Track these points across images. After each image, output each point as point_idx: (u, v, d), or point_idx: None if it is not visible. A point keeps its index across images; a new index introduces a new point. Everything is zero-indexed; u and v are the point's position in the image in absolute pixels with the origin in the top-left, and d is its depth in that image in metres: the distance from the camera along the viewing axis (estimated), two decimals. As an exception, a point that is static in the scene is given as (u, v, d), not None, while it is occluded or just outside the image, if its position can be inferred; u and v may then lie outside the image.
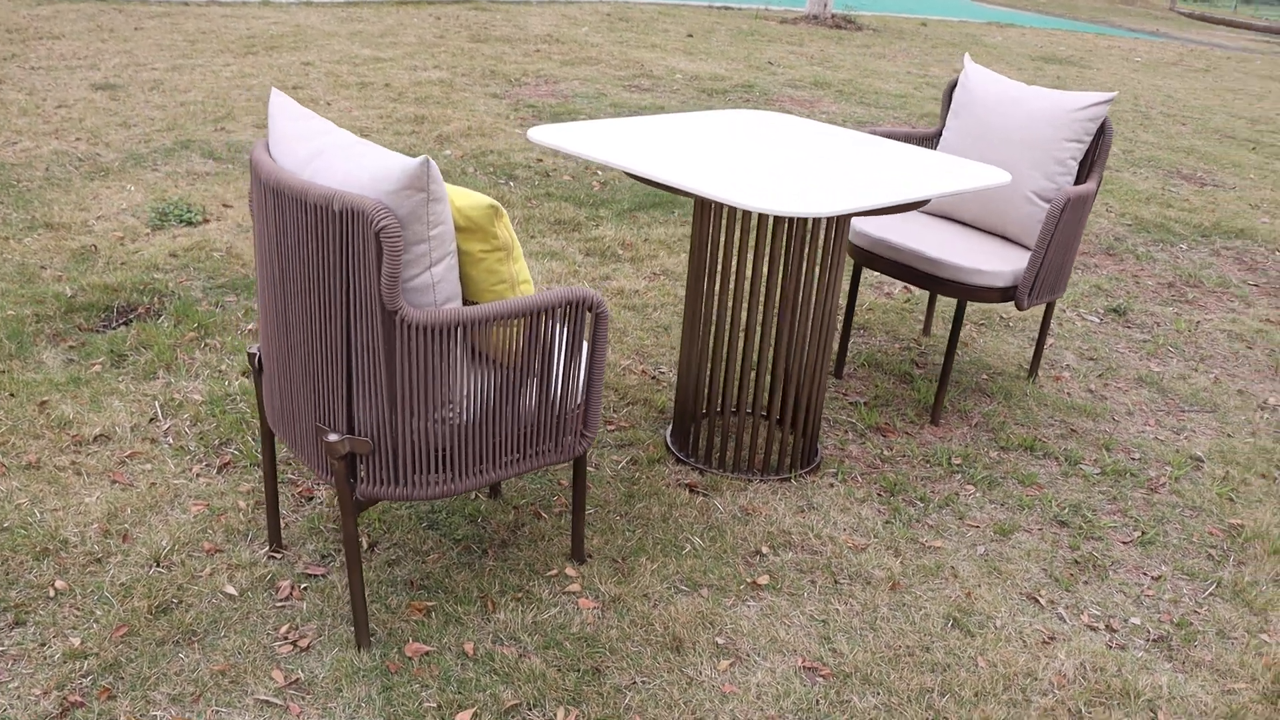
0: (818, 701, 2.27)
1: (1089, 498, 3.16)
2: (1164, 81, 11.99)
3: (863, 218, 3.64)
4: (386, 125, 6.37)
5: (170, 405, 3.17)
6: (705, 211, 2.93)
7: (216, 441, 3.01)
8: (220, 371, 3.38)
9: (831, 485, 3.08)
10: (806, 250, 2.87)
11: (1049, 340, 4.31)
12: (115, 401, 3.16)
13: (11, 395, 3.14)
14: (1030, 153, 3.50)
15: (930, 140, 3.87)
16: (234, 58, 7.83)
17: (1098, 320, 4.57)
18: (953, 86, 3.87)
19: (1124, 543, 2.97)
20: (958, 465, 3.27)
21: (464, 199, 2.11)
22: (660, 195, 5.56)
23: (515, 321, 2.11)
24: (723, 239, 3.28)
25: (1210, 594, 2.78)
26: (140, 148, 5.51)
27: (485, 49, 9.18)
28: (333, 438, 2.07)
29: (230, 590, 2.43)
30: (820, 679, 2.33)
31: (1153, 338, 4.43)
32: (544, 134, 2.96)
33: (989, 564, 2.80)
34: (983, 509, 3.05)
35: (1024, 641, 2.52)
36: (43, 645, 2.22)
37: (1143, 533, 3.02)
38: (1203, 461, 3.45)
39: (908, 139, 3.80)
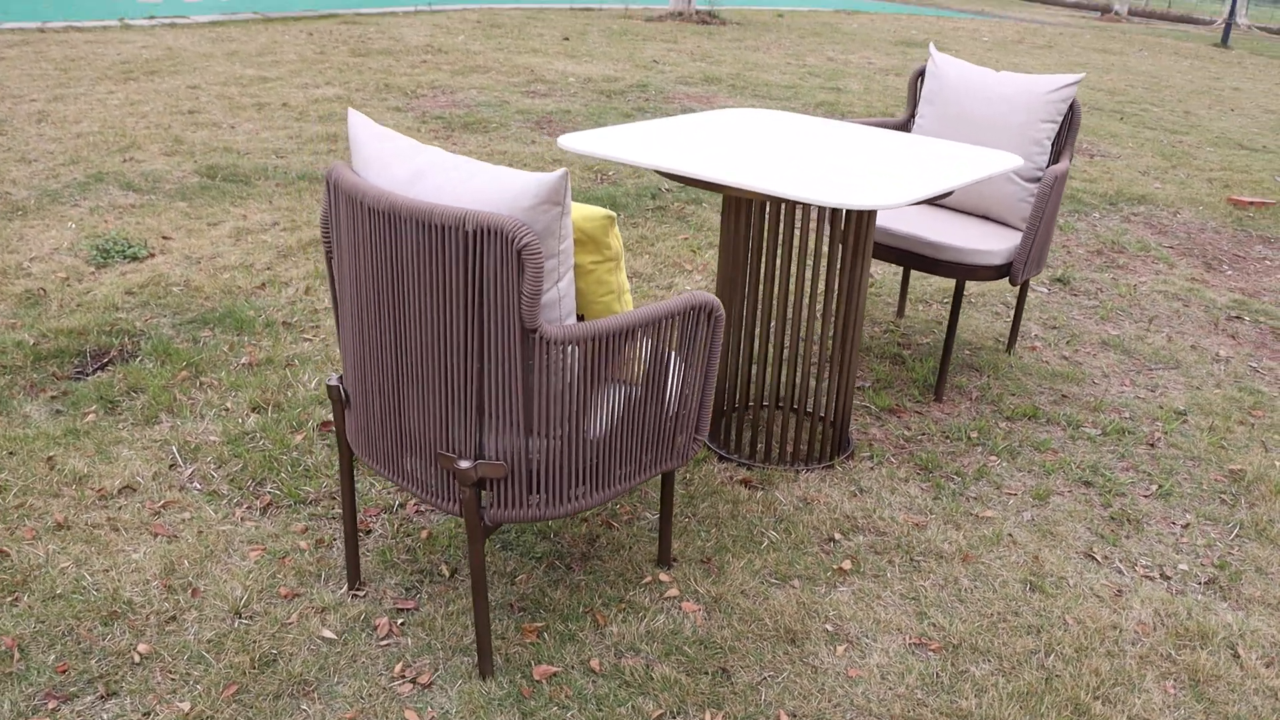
0: (938, 674, 2.32)
1: (1101, 458, 3.33)
2: (1019, 59, 12.61)
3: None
4: (301, 145, 6.16)
5: (187, 449, 3.01)
6: (738, 210, 2.95)
7: (250, 483, 2.88)
8: (227, 410, 3.22)
9: (872, 469, 3.15)
10: (844, 243, 2.92)
11: (1010, 312, 4.50)
12: (124, 450, 2.98)
13: (11, 454, 2.92)
14: (1008, 135, 3.65)
15: (902, 128, 3.99)
16: (115, 84, 7.43)
17: (1046, 291, 4.80)
18: (918, 75, 4.00)
19: (1145, 496, 3.14)
20: (975, 439, 3.39)
21: (577, 211, 2.08)
22: (611, 198, 5.54)
23: (641, 331, 2.09)
24: (751, 235, 3.31)
25: (1236, 535, 2.97)
26: (50, 183, 5.18)
27: (370, 63, 8.97)
28: (464, 465, 2.01)
29: (327, 634, 2.33)
30: (932, 653, 2.39)
31: (1100, 303, 4.68)
32: (577, 141, 2.93)
33: (1040, 528, 2.91)
34: (1014, 478, 3.17)
35: (1099, 597, 2.63)
36: (147, 715, 2.09)
37: (1159, 486, 3.19)
38: (1186, 415, 3.67)
39: (882, 128, 3.91)
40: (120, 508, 2.73)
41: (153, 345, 3.57)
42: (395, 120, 6.94)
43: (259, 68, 8.40)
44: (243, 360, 3.52)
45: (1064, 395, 3.75)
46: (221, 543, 2.62)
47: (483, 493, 2.10)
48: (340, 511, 2.77)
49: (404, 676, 2.22)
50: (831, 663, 2.34)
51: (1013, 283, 3.52)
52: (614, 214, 2.14)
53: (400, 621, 2.38)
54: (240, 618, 2.36)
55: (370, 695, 2.16)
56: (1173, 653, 2.46)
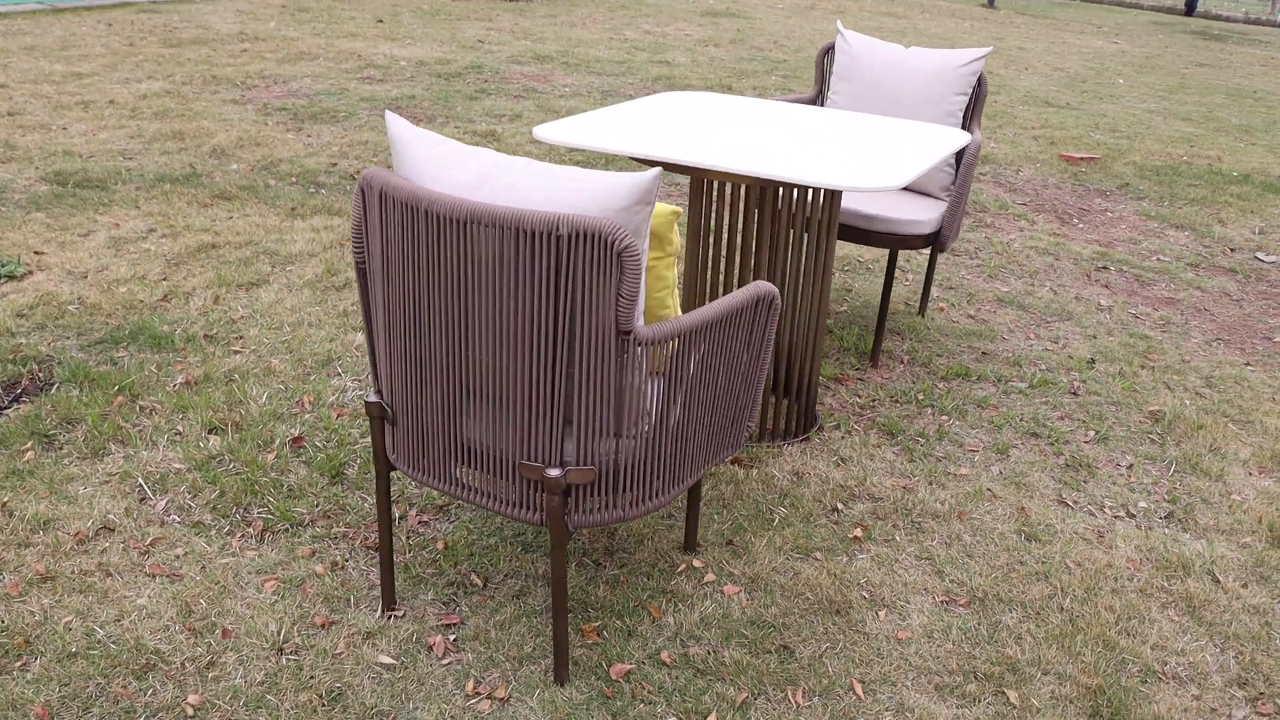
0: (976, 628, 2.45)
1: (1037, 410, 3.56)
2: (818, 25, 13.08)
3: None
4: (147, 146, 5.75)
5: (153, 480, 2.80)
6: (706, 192, 2.98)
7: (235, 510, 2.71)
8: (180, 434, 3.01)
9: (843, 438, 3.26)
10: (819, 223, 3.00)
11: (909, 277, 4.73)
12: (82, 488, 2.74)
13: (-47, 505, 2.64)
14: (925, 108, 3.83)
15: (814, 104, 4.11)
16: (-94, 84, 6.70)
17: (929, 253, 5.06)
18: (825, 52, 4.13)
19: (1086, 442, 3.39)
20: (923, 400, 3.56)
21: (642, 205, 2.06)
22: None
23: (719, 325, 2.09)
24: (728, 217, 3.34)
25: (1175, 471, 3.25)
26: (-124, 199, 4.64)
27: (186, 53, 8.42)
28: (553, 473, 1.97)
29: (385, 660, 2.23)
30: (962, 608, 2.52)
31: (983, 262, 4.97)
32: (552, 132, 2.88)
33: (1011, 481, 3.10)
34: (971, 435, 3.35)
35: (1086, 540, 2.84)
36: (220, 767, 1.96)
37: (1095, 431, 3.45)
38: (1094, 362, 3.97)
39: (799, 104, 4.01)
40: (104, 551, 2.51)
41: (69, 371, 3.28)
42: (238, 114, 6.57)
43: (66, 62, 7.75)
44: (178, 380, 3.29)
45: (984, 353, 3.97)
46: (229, 576, 2.46)
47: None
48: (345, 530, 2.65)
49: (479, 694, 2.16)
50: (878, 628, 2.43)
51: (942, 249, 3.70)
52: (679, 209, 2.13)
53: (453, 638, 2.31)
54: (284, 654, 2.23)
55: (453, 717, 2.09)
56: (1165, 584, 2.68)
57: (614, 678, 2.22)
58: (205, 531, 2.62)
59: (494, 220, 1.84)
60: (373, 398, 2.19)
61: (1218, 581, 2.70)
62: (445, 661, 2.24)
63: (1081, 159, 6.81)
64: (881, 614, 2.48)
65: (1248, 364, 4.08)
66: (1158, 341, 4.20)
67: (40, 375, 3.28)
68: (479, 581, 2.50)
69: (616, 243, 1.81)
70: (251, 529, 2.64)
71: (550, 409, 1.96)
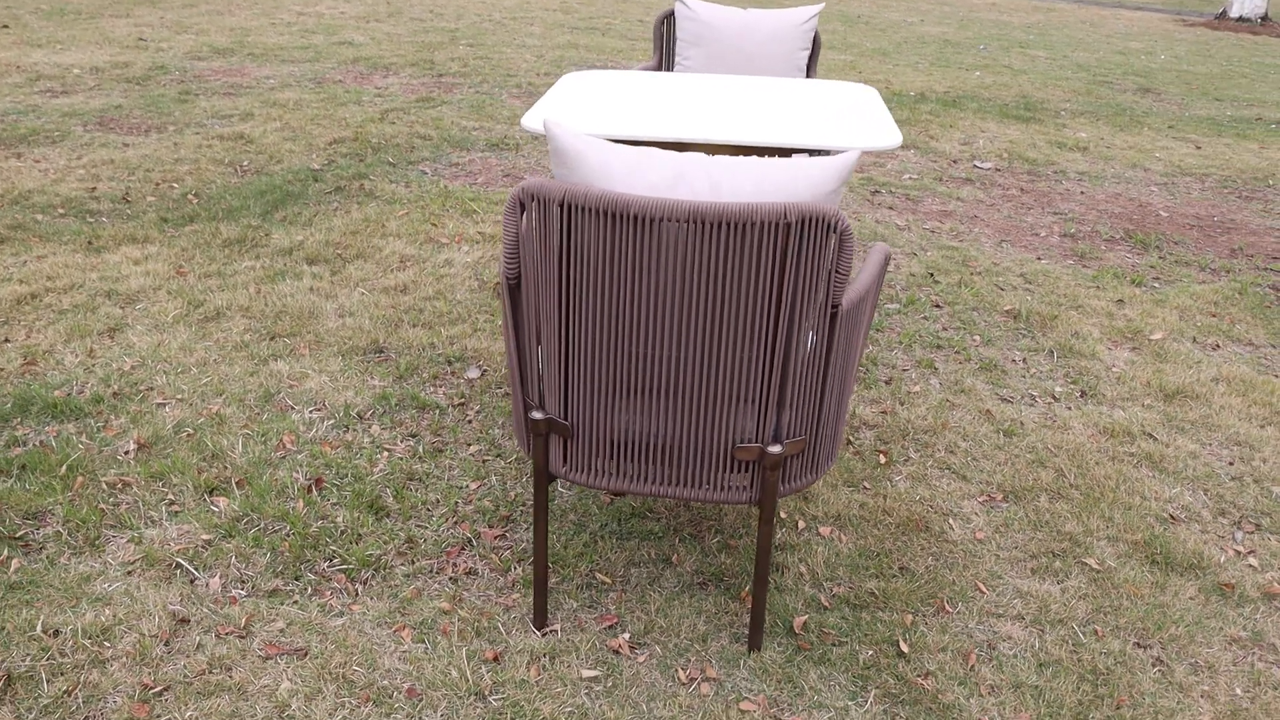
0: (1026, 516, 2.81)
1: (921, 325, 4.00)
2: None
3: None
4: None
5: (189, 557, 2.50)
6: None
7: (300, 567, 2.50)
8: (176, 502, 2.69)
9: (804, 378, 3.51)
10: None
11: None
12: (108, 585, 2.41)
13: (-25, 638, 2.23)
14: (776, 64, 4.10)
15: (659, 70, 4.25)
16: None
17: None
18: (664, 19, 4.28)
19: (979, 345, 3.87)
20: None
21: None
22: (272, 188, 5.06)
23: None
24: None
25: (1059, 357, 3.80)
26: None
27: None
28: (774, 449, 2.05)
29: (588, 673, 2.21)
30: (1003, 503, 2.87)
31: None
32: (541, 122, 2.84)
33: (956, 389, 3.50)
34: (892, 354, 3.72)
35: (1048, 427, 3.29)
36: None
37: (980, 336, 3.94)
38: (934, 276, 4.48)
39: (654, 71, 4.14)
40: (199, 646, 2.25)
41: (-20, 463, 2.80)
42: (-80, 142, 5.61)
43: None
44: (130, 447, 2.91)
45: (848, 283, 4.36)
46: (356, 636, 2.30)
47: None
48: (431, 563, 2.53)
49: (692, 679, 2.21)
50: (958, 535, 2.72)
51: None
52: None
53: (626, 636, 2.32)
54: (490, 697, 2.14)
55: (689, 707, 2.13)
56: (1126, 449, 3.18)
57: (797, 630, 2.34)
58: (287, 598, 2.40)
59: (722, 217, 1.88)
60: (538, 415, 2.13)
61: (1155, 439, 3.25)
62: (640, 659, 2.26)
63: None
64: (951, 521, 2.77)
65: (1039, 258, 4.78)
66: (964, 250, 4.80)
67: (-56, 474, 2.77)
68: (607, 579, 2.50)
69: (838, 224, 1.91)
70: (335, 583, 2.46)
71: (765, 390, 2.03)
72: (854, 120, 3.08)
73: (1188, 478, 3.04)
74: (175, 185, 5.09)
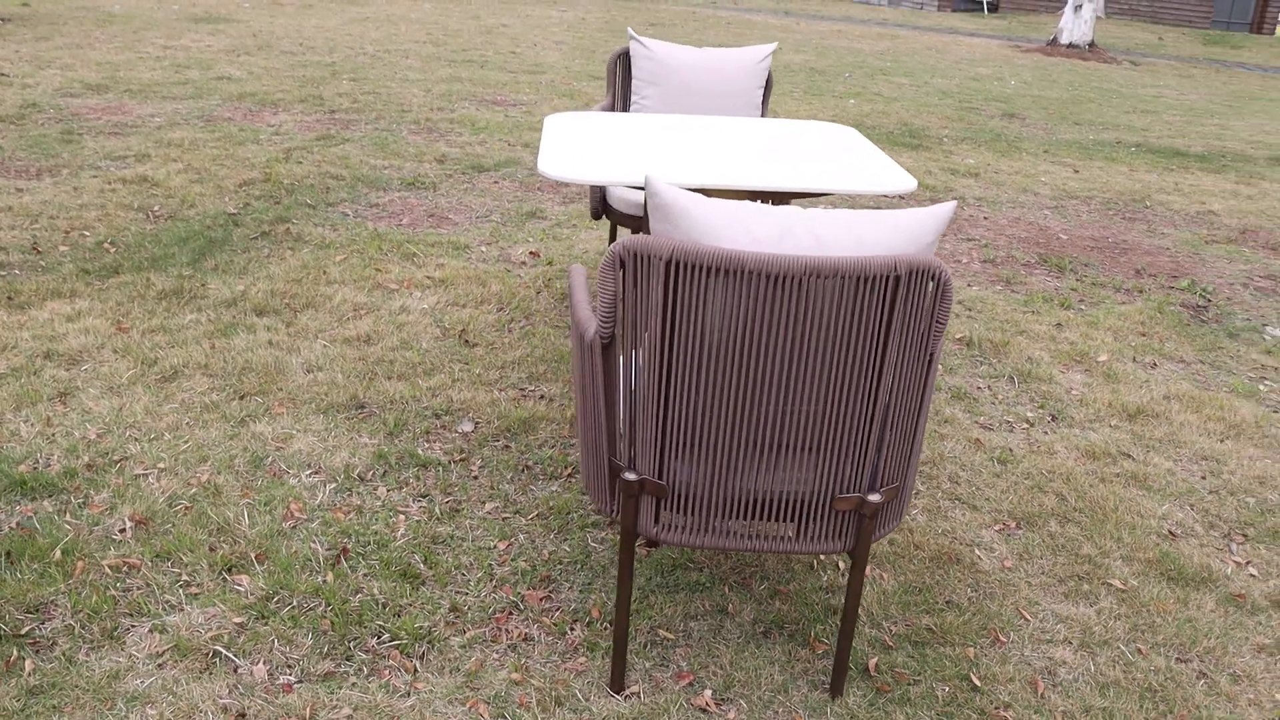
0: (1041, 541, 2.91)
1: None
2: (312, 22, 12.73)
3: (630, 190, 3.94)
4: None
5: (225, 644, 2.34)
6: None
7: (351, 645, 2.37)
8: (201, 587, 2.51)
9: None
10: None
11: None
12: (142, 683, 2.23)
13: (11, 753, 2.03)
14: (733, 102, 4.15)
15: (614, 110, 4.24)
16: None
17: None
18: (618, 58, 4.27)
19: (944, 375, 3.99)
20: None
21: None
22: (209, 236, 4.81)
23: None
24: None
25: (1020, 382, 3.96)
26: None
27: None
28: (874, 498, 2.07)
29: (679, 734, 2.16)
30: (1017, 531, 2.96)
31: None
32: (556, 169, 2.80)
33: (940, 419, 3.59)
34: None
35: (1036, 453, 3.41)
36: None
37: (942, 366, 4.07)
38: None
39: (612, 112, 4.13)
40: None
41: (-42, 554, 2.56)
42: None
43: None
44: (126, 525, 2.70)
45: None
46: (429, 717, 2.19)
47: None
48: (485, 630, 2.44)
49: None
50: (988, 565, 2.79)
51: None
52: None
53: (708, 693, 2.29)
54: (582, 766, 2.07)
55: (792, 760, 2.11)
56: (1111, 470, 3.33)
57: (871, 672, 2.35)
58: (344, 680, 2.27)
59: (835, 270, 1.89)
60: (631, 476, 2.08)
61: (1133, 458, 3.41)
62: (730, 716, 2.23)
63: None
64: (978, 552, 2.84)
65: (969, 285, 4.97)
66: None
67: (-83, 569, 2.52)
68: (670, 635, 2.46)
69: (942, 275, 1.95)
70: (391, 660, 2.34)
71: (866, 439, 2.04)
72: (867, 163, 3.14)
73: (1172, 494, 3.20)
74: (87, 233, 4.78)
